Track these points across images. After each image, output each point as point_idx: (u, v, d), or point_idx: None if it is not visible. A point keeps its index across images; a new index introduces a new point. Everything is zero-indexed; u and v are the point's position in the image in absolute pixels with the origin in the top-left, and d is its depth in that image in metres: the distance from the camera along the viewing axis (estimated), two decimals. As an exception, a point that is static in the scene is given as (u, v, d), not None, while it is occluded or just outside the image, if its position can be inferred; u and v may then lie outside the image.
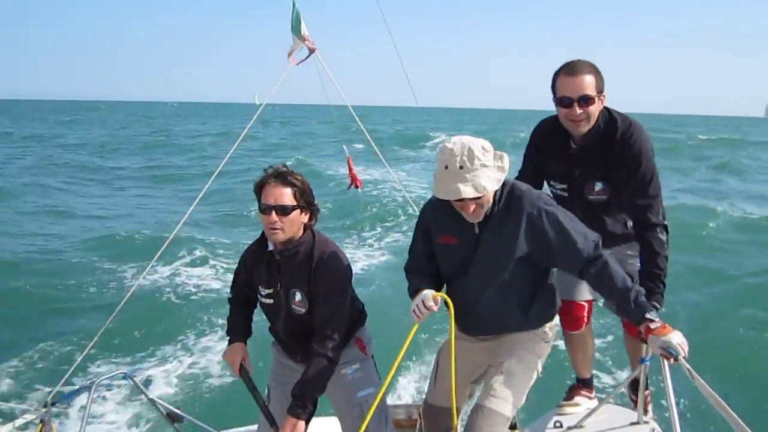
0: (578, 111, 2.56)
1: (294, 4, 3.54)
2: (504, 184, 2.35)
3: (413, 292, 2.45)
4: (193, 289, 10.40)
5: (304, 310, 2.62)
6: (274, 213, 2.50)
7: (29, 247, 12.87)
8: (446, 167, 2.22)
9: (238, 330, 2.85)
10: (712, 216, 15.41)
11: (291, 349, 2.79)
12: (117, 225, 15.15)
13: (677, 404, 2.30)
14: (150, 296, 10.17)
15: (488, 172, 2.22)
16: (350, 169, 3.92)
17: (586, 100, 2.54)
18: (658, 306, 2.54)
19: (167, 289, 10.50)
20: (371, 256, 12.57)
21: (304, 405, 2.50)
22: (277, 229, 2.52)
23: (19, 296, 9.96)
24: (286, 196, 2.51)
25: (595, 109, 2.59)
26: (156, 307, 10.01)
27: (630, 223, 2.79)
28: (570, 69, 2.57)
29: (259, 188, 2.56)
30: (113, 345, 8.24)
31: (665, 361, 2.27)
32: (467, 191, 2.17)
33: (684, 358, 2.20)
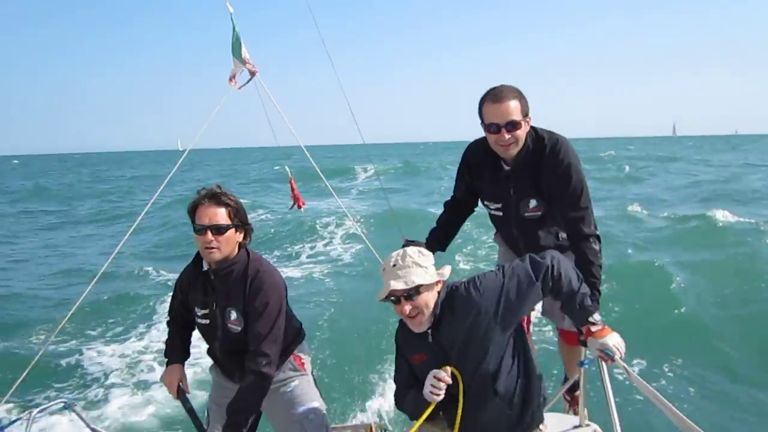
0: (507, 136, 2.62)
1: (234, 27, 3.55)
2: (446, 292, 2.33)
3: (414, 399, 2.34)
4: (134, 310, 10.23)
5: (239, 329, 2.61)
6: (209, 232, 2.51)
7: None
8: (384, 269, 2.28)
9: (176, 352, 2.83)
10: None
11: (229, 369, 2.77)
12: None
13: (616, 405, 2.39)
14: (92, 317, 9.97)
15: (420, 270, 2.23)
16: (293, 189, 3.92)
17: (513, 125, 2.61)
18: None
19: (110, 311, 10.32)
20: (311, 274, 12.67)
21: (239, 423, 2.48)
22: (213, 248, 2.52)
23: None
24: (220, 215, 2.53)
25: (522, 133, 2.65)
26: (98, 330, 9.78)
27: (562, 235, 2.88)
28: (495, 96, 2.62)
29: (194, 209, 2.57)
30: (52, 372, 7.97)
31: (603, 362, 2.36)
32: (397, 285, 2.19)
33: (621, 358, 2.28)
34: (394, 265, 2.25)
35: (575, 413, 3.20)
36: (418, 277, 2.21)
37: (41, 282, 12.92)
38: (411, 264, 2.24)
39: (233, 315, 2.61)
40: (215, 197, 2.56)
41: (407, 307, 2.23)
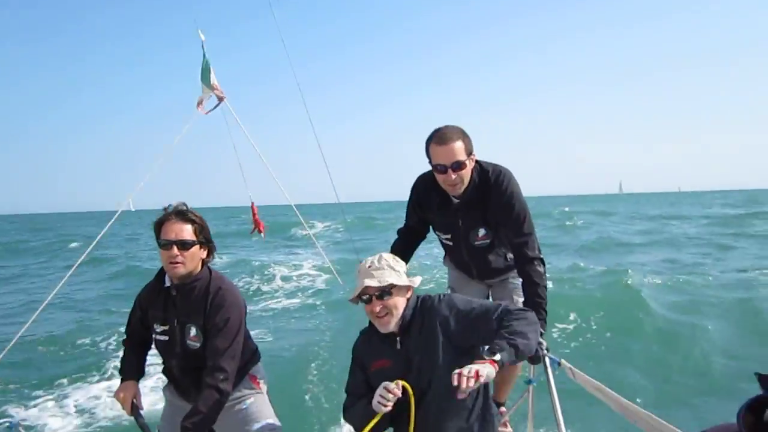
0: (453, 176, 2.73)
1: (204, 54, 3.61)
2: (417, 301, 2.43)
3: (361, 410, 2.33)
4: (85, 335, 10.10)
5: (198, 345, 2.63)
6: (175, 247, 2.56)
7: None
8: (359, 271, 2.39)
9: (131, 369, 2.83)
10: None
11: (185, 387, 2.77)
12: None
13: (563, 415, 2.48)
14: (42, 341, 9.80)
15: (393, 273, 2.36)
16: (254, 214, 3.96)
17: (458, 165, 2.71)
18: (542, 330, 2.64)
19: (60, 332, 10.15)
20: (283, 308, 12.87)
21: None
22: (178, 263, 2.57)
23: None
24: (186, 231, 2.60)
25: (467, 171, 2.76)
26: (48, 351, 9.63)
27: (510, 256, 2.99)
28: (440, 138, 2.71)
29: (159, 225, 2.62)
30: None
31: (551, 377, 2.52)
32: (371, 282, 2.30)
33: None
34: (370, 266, 2.37)
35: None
36: (391, 278, 2.33)
37: None
38: (385, 266, 2.37)
39: (193, 331, 2.63)
40: (181, 214, 2.63)
41: (378, 307, 2.33)
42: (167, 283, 2.71)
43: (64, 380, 8.34)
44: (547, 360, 2.68)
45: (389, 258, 2.42)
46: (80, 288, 16.86)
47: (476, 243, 2.98)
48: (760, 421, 0.85)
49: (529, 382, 2.99)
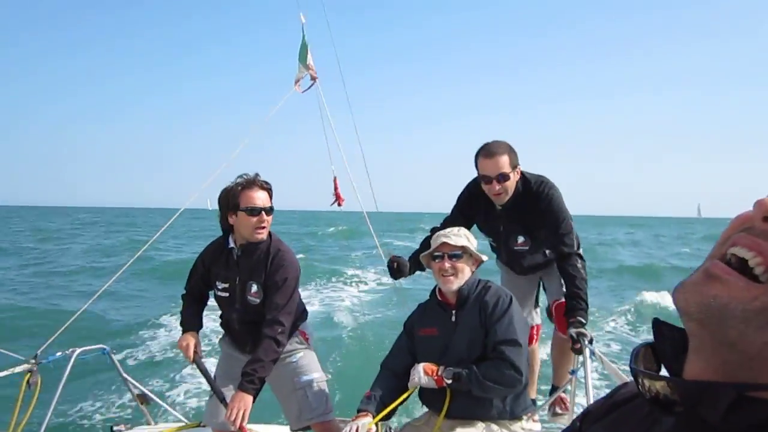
0: (497, 187, 3.01)
1: (303, 35, 3.85)
2: (480, 281, 2.69)
3: (360, 407, 2.64)
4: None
5: (258, 300, 2.88)
6: (264, 213, 2.83)
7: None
8: (436, 236, 2.72)
9: (191, 321, 3.08)
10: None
11: (242, 339, 3.01)
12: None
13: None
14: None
15: (468, 242, 2.67)
16: (336, 188, 4.18)
17: (503, 178, 2.99)
18: (584, 321, 2.89)
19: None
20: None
21: (253, 381, 2.69)
22: (265, 227, 2.84)
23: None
24: (268, 199, 2.87)
25: (510, 183, 3.03)
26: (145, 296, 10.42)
27: (548, 252, 3.26)
28: (487, 152, 3.01)
29: (239, 193, 2.83)
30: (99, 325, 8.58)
31: (588, 372, 2.67)
32: (449, 241, 2.62)
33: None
34: (450, 231, 2.70)
35: (558, 412, 3.34)
36: (464, 241, 2.65)
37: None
38: (462, 235, 2.69)
39: (254, 288, 2.88)
40: (262, 183, 2.88)
41: (447, 264, 2.61)
42: (231, 245, 2.95)
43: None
44: (587, 351, 2.79)
45: (466, 231, 2.74)
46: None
47: (515, 248, 3.24)
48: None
49: (573, 372, 3.06)
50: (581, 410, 2.72)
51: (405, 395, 2.66)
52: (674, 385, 0.60)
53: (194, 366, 3.00)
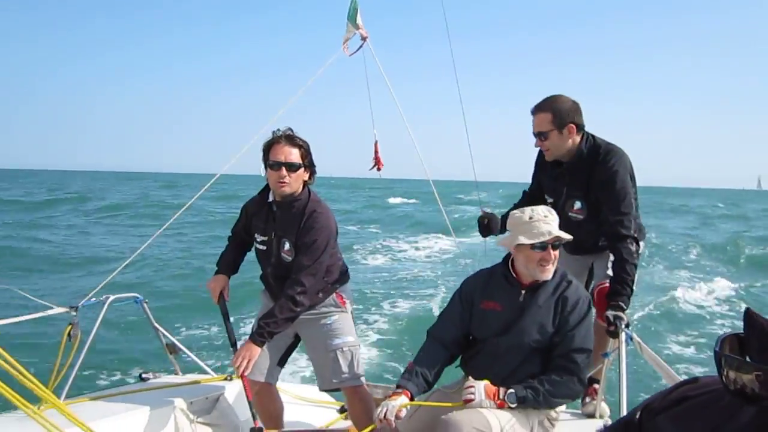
0: (539, 144, 2.96)
1: (354, -6, 3.72)
2: (557, 270, 2.53)
3: (400, 381, 2.49)
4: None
5: (290, 258, 2.86)
6: (283, 169, 2.78)
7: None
8: (530, 219, 2.47)
9: (227, 265, 3.09)
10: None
11: (277, 293, 2.94)
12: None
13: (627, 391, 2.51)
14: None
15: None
16: (376, 152, 4.09)
17: (541, 136, 2.92)
18: (624, 306, 2.76)
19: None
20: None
21: (263, 335, 2.73)
22: (285, 183, 2.79)
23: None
24: (293, 155, 2.81)
25: (552, 142, 2.92)
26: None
27: (601, 241, 3.04)
28: (534, 108, 2.94)
29: (269, 147, 2.84)
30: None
31: (623, 354, 2.59)
32: (560, 234, 2.44)
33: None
34: (546, 216, 2.47)
35: (589, 402, 3.16)
36: (563, 236, 2.46)
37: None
38: (552, 222, 2.47)
39: (287, 245, 2.87)
40: (290, 138, 2.83)
41: (551, 255, 2.45)
42: (270, 199, 2.93)
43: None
44: (623, 335, 2.69)
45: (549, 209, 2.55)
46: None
47: (570, 214, 3.04)
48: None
49: (605, 355, 2.97)
50: (613, 397, 2.61)
51: (449, 404, 2.45)
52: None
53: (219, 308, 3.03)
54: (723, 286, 13.07)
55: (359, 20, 3.76)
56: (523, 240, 2.43)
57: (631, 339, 2.69)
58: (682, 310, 10.56)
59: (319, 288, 2.89)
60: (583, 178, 2.96)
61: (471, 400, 2.36)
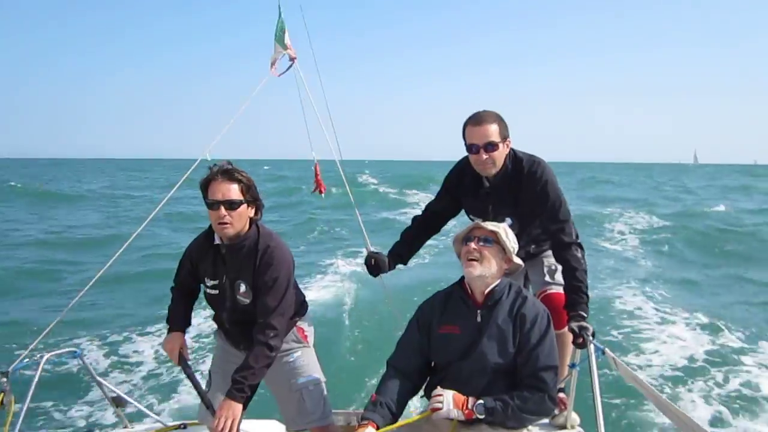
0: (485, 156, 2.84)
1: (280, 13, 3.65)
2: (512, 285, 2.52)
3: (365, 414, 2.42)
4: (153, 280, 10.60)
5: (248, 301, 2.69)
6: (222, 208, 2.57)
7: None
8: (475, 224, 2.62)
9: (178, 320, 2.89)
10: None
11: (235, 338, 2.85)
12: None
13: (602, 406, 2.44)
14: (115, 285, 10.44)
15: (506, 238, 2.56)
16: (316, 174, 4.00)
17: (491, 147, 2.83)
18: (585, 315, 2.75)
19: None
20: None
21: (243, 390, 2.55)
22: (226, 223, 2.59)
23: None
24: (233, 191, 2.60)
25: (499, 154, 2.86)
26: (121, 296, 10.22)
27: (532, 248, 3.12)
28: (475, 120, 2.86)
29: (206, 185, 2.63)
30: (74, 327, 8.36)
31: (594, 365, 2.52)
32: (486, 225, 2.55)
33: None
34: (484, 221, 2.61)
35: (558, 413, 3.20)
36: (501, 235, 2.52)
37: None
38: (502, 230, 2.55)
39: (242, 287, 2.70)
40: (228, 173, 2.63)
41: (474, 246, 2.47)
42: (217, 241, 2.74)
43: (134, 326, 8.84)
44: (591, 347, 2.64)
45: (506, 227, 2.63)
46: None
47: None
48: None
49: (572, 366, 2.95)
50: (582, 407, 2.59)
51: (417, 417, 2.41)
52: None
53: (180, 369, 2.83)
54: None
55: (287, 40, 3.69)
56: (455, 234, 2.53)
57: (603, 353, 2.63)
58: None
59: (287, 324, 2.75)
60: (510, 194, 2.95)
61: (438, 409, 2.30)
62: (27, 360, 2.94)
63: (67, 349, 3.18)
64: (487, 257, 2.45)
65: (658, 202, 32.93)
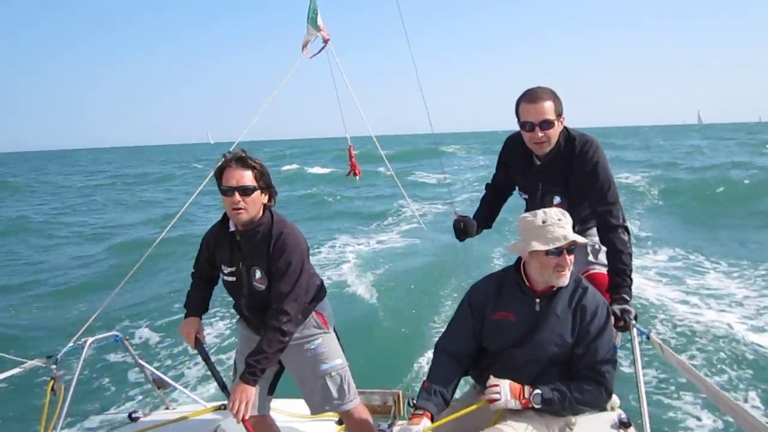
0: (540, 134, 2.79)
1: (313, -4, 3.61)
2: (571, 275, 2.41)
3: (419, 402, 2.37)
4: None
5: (264, 287, 2.72)
6: (237, 194, 2.61)
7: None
8: (544, 223, 2.35)
9: (196, 306, 2.95)
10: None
11: (254, 324, 2.87)
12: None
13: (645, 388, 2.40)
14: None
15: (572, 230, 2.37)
16: (351, 157, 3.97)
17: (547, 124, 2.78)
18: (628, 298, 2.71)
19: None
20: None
21: (255, 373, 2.59)
22: (240, 209, 2.62)
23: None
24: (246, 177, 2.63)
25: (554, 132, 2.82)
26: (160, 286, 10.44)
27: (577, 227, 2.94)
28: (531, 97, 2.79)
29: (220, 172, 2.66)
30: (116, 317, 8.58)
31: (637, 347, 2.46)
32: (575, 237, 2.30)
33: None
34: (560, 220, 2.35)
35: None
36: (579, 241, 2.33)
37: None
38: (566, 225, 2.35)
39: (258, 274, 2.72)
40: (241, 160, 2.66)
41: (567, 261, 2.32)
42: (232, 228, 2.77)
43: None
44: (634, 331, 2.58)
45: (563, 212, 2.40)
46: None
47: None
48: None
49: (614, 348, 2.89)
50: (620, 389, 2.51)
51: (474, 406, 2.37)
52: None
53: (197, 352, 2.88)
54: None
55: (320, 22, 3.65)
56: (537, 246, 2.30)
57: (648, 338, 2.57)
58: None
59: (301, 310, 2.76)
60: (560, 173, 2.90)
61: (496, 400, 2.25)
62: (71, 344, 3.02)
63: (109, 333, 3.25)
64: (572, 262, 2.36)
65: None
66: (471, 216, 3.30)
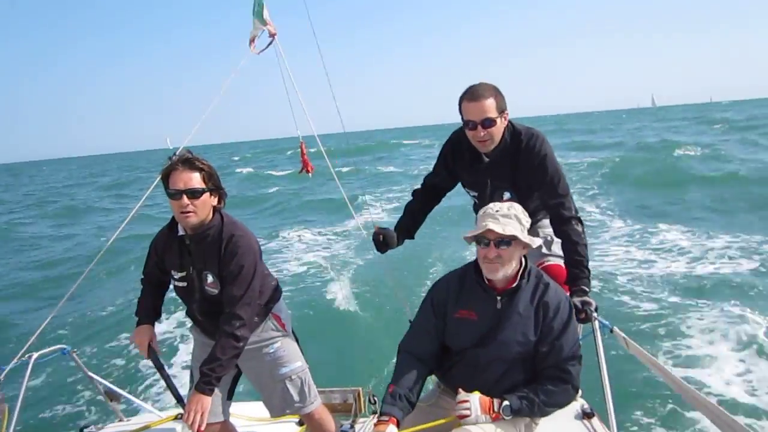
0: (482, 133, 2.74)
1: (257, -11, 3.52)
2: (531, 270, 2.40)
3: (384, 408, 2.30)
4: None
5: (216, 291, 2.64)
6: (185, 197, 2.51)
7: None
8: (483, 212, 2.35)
9: (147, 313, 2.85)
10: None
11: (209, 329, 2.78)
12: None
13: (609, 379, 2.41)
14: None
15: (519, 226, 2.30)
16: (302, 154, 3.91)
17: (489, 122, 2.73)
18: (587, 289, 2.72)
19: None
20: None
21: (210, 383, 2.51)
22: (189, 212, 2.53)
23: None
24: (194, 180, 2.54)
25: (497, 130, 2.77)
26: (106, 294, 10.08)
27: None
28: (472, 94, 2.74)
29: (167, 175, 2.56)
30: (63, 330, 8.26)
31: (599, 338, 2.46)
32: (496, 227, 2.25)
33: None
34: (497, 211, 2.32)
35: None
36: (516, 231, 2.28)
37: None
38: (513, 216, 2.31)
39: (210, 278, 2.64)
40: (188, 162, 2.56)
41: (493, 253, 2.28)
42: (181, 232, 2.68)
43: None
44: (596, 323, 2.57)
45: (519, 209, 2.36)
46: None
47: None
48: None
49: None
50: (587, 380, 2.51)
51: (442, 420, 2.32)
52: None
53: (150, 362, 2.80)
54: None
55: (266, 15, 3.57)
56: (465, 234, 2.34)
57: (611, 331, 2.56)
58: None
59: (255, 313, 2.68)
60: (508, 169, 2.88)
61: (466, 416, 2.20)
62: (15, 361, 2.87)
63: (55, 347, 3.11)
64: (507, 258, 2.30)
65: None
66: (392, 227, 3.20)
